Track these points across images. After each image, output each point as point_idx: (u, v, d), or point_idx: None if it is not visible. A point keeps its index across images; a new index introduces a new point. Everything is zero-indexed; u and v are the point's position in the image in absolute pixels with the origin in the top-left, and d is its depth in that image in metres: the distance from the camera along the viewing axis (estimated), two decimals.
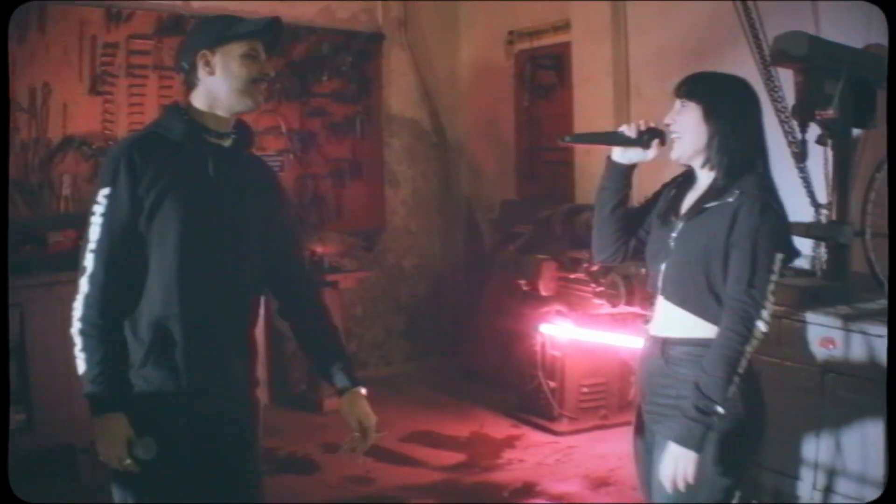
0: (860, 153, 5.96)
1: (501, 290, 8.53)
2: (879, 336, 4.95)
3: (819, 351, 5.22)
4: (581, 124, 8.46)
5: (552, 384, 7.79)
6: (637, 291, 6.84)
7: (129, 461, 3.38)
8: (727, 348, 3.39)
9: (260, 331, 7.44)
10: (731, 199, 3.48)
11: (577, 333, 7.48)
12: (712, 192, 3.56)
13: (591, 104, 8.41)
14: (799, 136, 5.72)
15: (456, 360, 9.75)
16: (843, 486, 5.20)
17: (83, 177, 7.72)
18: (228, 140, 3.62)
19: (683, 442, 3.40)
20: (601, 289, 7.08)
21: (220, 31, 3.56)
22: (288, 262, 3.90)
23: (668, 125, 3.64)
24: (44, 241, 6.96)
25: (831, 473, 5.25)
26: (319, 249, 8.45)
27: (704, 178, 3.64)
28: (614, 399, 7.83)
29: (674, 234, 3.61)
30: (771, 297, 3.42)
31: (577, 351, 7.63)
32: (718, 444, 3.50)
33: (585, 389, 7.78)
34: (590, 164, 8.34)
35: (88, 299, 3.43)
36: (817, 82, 5.44)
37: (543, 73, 9.25)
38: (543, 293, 7.71)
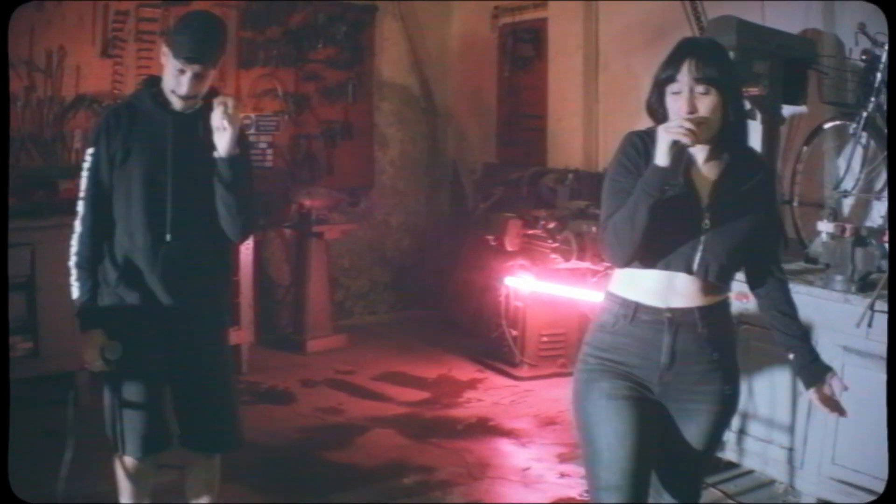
0: (795, 129, 6.30)
1: (476, 246, 8.85)
2: None
3: (735, 304, 5.54)
4: (554, 94, 8.87)
5: (514, 333, 8.14)
6: (588, 248, 7.19)
7: (99, 363, 4.17)
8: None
9: (247, 276, 7.87)
10: (761, 176, 3.51)
11: (538, 286, 7.82)
12: (742, 171, 3.47)
13: (563, 76, 8.74)
14: None
15: (435, 311, 10.11)
16: (755, 429, 5.57)
17: (95, 129, 8.00)
18: (191, 109, 4.22)
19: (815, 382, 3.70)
20: (556, 245, 7.43)
21: (171, 39, 4.18)
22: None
23: (692, 112, 3.28)
24: (55, 188, 7.32)
25: (744, 417, 5.61)
26: (307, 203, 8.76)
27: (706, 153, 3.46)
28: (573, 349, 7.93)
29: (706, 215, 3.41)
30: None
31: (539, 303, 7.97)
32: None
33: (545, 339, 8.13)
34: (561, 131, 8.74)
35: (80, 237, 4.24)
36: (747, 62, 5.74)
37: (522, 47, 9.55)
38: (508, 248, 8.05)
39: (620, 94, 8.24)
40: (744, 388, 5.45)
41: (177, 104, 4.20)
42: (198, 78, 4.12)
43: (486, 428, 6.97)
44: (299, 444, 6.61)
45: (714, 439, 3.68)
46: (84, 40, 8.06)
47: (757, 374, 5.52)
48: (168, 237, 4.18)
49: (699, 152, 3.45)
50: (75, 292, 4.23)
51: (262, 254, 9.26)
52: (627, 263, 3.49)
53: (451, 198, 10.57)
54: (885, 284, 4.74)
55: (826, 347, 5.03)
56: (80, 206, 4.24)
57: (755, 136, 6.26)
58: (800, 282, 5.27)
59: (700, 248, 3.41)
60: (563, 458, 6.32)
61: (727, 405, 3.64)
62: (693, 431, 3.59)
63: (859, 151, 5.83)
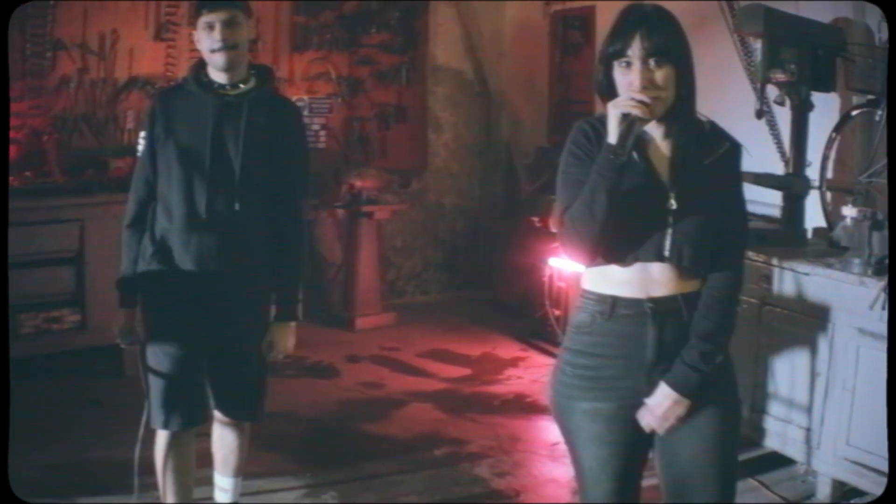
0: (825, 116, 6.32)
1: (524, 228, 8.92)
2: (805, 274, 5.39)
3: (758, 286, 5.61)
4: None
5: (557, 313, 8.20)
6: None
7: (119, 340, 4.44)
8: (736, 301, 3.27)
9: None
10: (725, 149, 3.20)
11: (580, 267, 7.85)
12: (702, 144, 3.19)
13: None
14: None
15: (486, 292, 10.20)
16: (775, 409, 5.62)
17: (146, 112, 8.21)
18: (236, 90, 4.30)
19: (684, 390, 3.13)
20: None
21: (195, 9, 4.32)
22: (279, 191, 4.42)
23: (646, 87, 3.02)
24: (105, 166, 7.54)
25: (765, 397, 5.67)
26: (358, 183, 8.88)
27: (663, 131, 3.19)
28: None
29: (671, 195, 3.13)
30: None
31: (580, 283, 7.99)
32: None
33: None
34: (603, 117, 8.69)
35: (129, 212, 4.39)
36: (775, 49, 5.78)
37: (572, 33, 9.57)
38: (553, 229, 8.09)
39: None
40: (764, 368, 5.57)
41: (221, 77, 4.27)
42: (228, 26, 4.16)
43: (522, 404, 7.07)
44: (337, 416, 6.75)
45: (726, 443, 3.26)
46: (137, 24, 8.24)
47: (777, 355, 5.57)
48: (204, 215, 4.22)
49: (655, 130, 3.16)
50: (122, 268, 4.40)
51: (315, 233, 9.36)
52: (591, 258, 3.18)
53: (505, 181, 10.57)
54: None
55: (842, 329, 5.12)
56: (133, 186, 4.40)
57: (783, 122, 6.35)
58: (820, 264, 5.33)
59: (669, 231, 3.10)
60: None
61: (719, 395, 3.23)
62: (697, 437, 3.20)
63: (884, 138, 5.84)
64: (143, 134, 4.40)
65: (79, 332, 7.09)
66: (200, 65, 4.35)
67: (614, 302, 3.16)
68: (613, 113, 2.98)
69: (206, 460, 4.80)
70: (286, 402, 6.63)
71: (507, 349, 8.46)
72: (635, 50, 3.03)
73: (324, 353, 8.13)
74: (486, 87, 10.52)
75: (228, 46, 4.19)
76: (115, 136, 8.13)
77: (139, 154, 4.43)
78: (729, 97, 6.55)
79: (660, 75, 3.03)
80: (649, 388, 3.15)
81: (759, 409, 5.67)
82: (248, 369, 4.49)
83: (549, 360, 7.97)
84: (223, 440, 4.68)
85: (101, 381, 7.05)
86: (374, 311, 9.14)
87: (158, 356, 4.31)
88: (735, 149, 3.26)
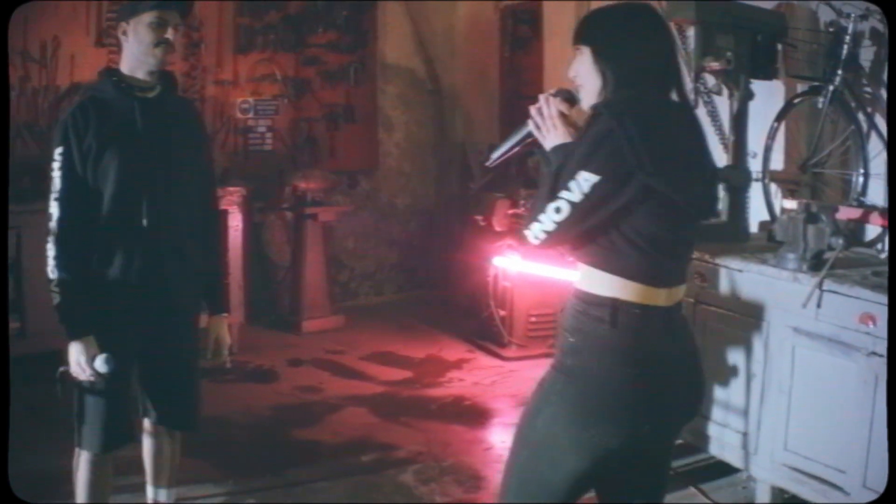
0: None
1: (472, 227, 8.58)
2: (739, 270, 4.99)
3: (692, 284, 5.22)
4: (549, 73, 8.57)
5: (503, 313, 7.86)
6: None
7: (90, 373, 3.92)
8: None
9: (236, 258, 7.67)
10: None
11: (525, 266, 7.53)
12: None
13: (558, 56, 8.42)
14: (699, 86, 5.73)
15: (440, 292, 9.82)
16: (715, 413, 5.21)
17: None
18: (153, 92, 4.08)
19: None
20: None
21: (134, 5, 3.99)
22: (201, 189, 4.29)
23: (572, 77, 3.09)
24: (44, 174, 7.18)
25: (706, 401, 5.24)
26: (302, 185, 8.51)
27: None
28: None
29: None
30: (555, 216, 2.81)
31: (527, 283, 7.68)
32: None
33: (534, 319, 7.83)
34: None
35: (59, 239, 3.93)
36: (709, 36, 5.40)
37: (521, 28, 9.28)
38: (497, 228, 7.80)
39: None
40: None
41: (156, 60, 4.01)
42: (173, 27, 3.99)
43: (459, 408, 6.71)
44: (270, 421, 6.45)
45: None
46: (78, 30, 7.99)
47: (713, 356, 5.14)
48: (144, 222, 3.99)
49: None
50: (56, 298, 3.95)
51: (263, 235, 9.08)
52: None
53: (461, 179, 10.21)
54: (833, 263, 4.43)
55: (777, 328, 4.76)
56: (55, 208, 3.95)
57: (722, 111, 5.98)
58: (753, 260, 4.94)
59: None
60: None
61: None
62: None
63: (828, 127, 5.49)
64: (58, 150, 3.95)
65: (18, 339, 6.81)
66: (111, 71, 4.12)
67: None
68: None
69: (131, 468, 4.63)
70: (221, 407, 6.36)
71: (454, 351, 8.09)
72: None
73: (266, 358, 7.79)
74: (438, 85, 10.17)
75: (170, 45, 4.00)
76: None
77: (57, 173, 3.95)
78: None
79: (578, 62, 3.06)
80: None
81: (701, 415, 5.24)
82: (187, 377, 4.31)
83: (494, 362, 7.76)
84: (158, 451, 4.45)
85: (39, 387, 6.61)
86: (322, 314, 8.75)
87: (103, 380, 4.00)
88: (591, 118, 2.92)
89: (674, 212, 2.87)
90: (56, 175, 3.96)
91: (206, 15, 8.51)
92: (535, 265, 7.43)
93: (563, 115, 3.03)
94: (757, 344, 4.89)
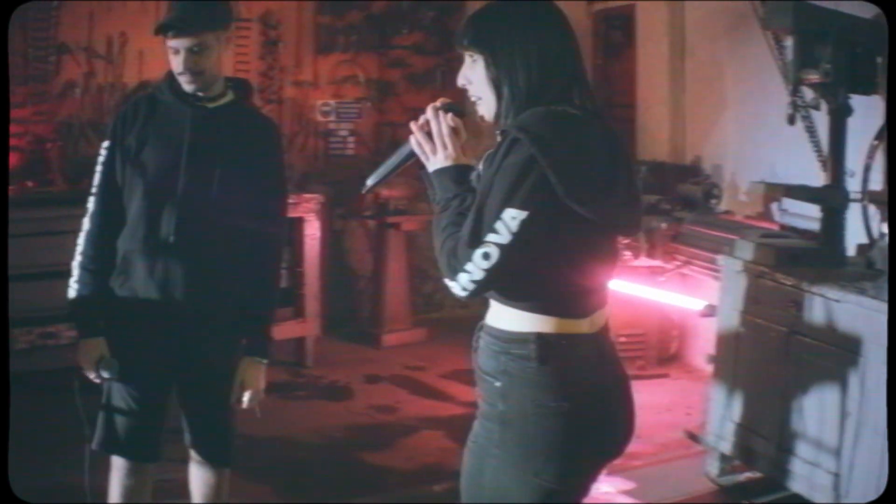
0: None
1: None
2: (836, 300, 4.73)
3: (786, 312, 5.00)
4: (642, 83, 8.38)
5: None
6: (658, 245, 6.70)
7: (94, 374, 3.93)
8: None
9: (312, 267, 7.57)
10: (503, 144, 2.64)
11: (614, 285, 7.32)
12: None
13: (650, 64, 8.26)
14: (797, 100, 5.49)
15: None
16: (802, 449, 4.97)
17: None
18: (216, 101, 3.93)
19: None
20: (627, 241, 6.97)
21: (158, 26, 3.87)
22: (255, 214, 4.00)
23: (463, 87, 2.86)
24: None
25: (792, 435, 5.03)
26: (385, 192, 8.38)
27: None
28: (653, 351, 7.70)
29: None
30: (483, 262, 2.55)
31: (616, 302, 7.43)
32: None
33: (623, 339, 7.57)
34: (649, 121, 8.30)
35: (88, 236, 3.95)
36: (808, 47, 5.17)
37: (614, 33, 9.03)
38: None
39: (706, 82, 7.74)
40: (791, 403, 4.96)
41: (187, 85, 3.86)
42: (195, 53, 3.79)
43: None
44: (339, 443, 6.33)
45: None
46: (147, 26, 7.69)
47: (805, 390, 4.93)
48: (171, 238, 3.83)
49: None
50: (72, 293, 3.96)
51: (343, 243, 9.01)
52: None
53: None
54: None
55: (874, 364, 4.51)
56: (91, 203, 3.96)
57: (821, 127, 5.74)
58: (852, 290, 4.69)
59: None
60: (611, 470, 5.74)
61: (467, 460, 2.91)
62: None
63: None
64: (106, 144, 3.95)
65: (75, 348, 6.66)
66: (171, 75, 3.95)
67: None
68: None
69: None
70: (289, 426, 6.31)
71: None
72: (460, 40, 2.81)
73: (342, 373, 7.68)
74: None
75: (194, 73, 3.83)
76: None
77: (99, 168, 3.95)
78: (770, 101, 6.21)
79: (472, 70, 2.81)
80: None
81: (785, 449, 5.04)
82: (216, 408, 4.10)
83: None
84: (199, 479, 4.24)
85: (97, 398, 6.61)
86: (403, 327, 8.64)
87: (122, 392, 3.95)
88: (502, 141, 2.62)
89: (595, 235, 2.69)
90: (97, 170, 3.96)
91: (283, 13, 8.49)
92: (625, 284, 7.23)
93: (453, 133, 2.81)
94: (853, 380, 4.63)
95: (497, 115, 2.76)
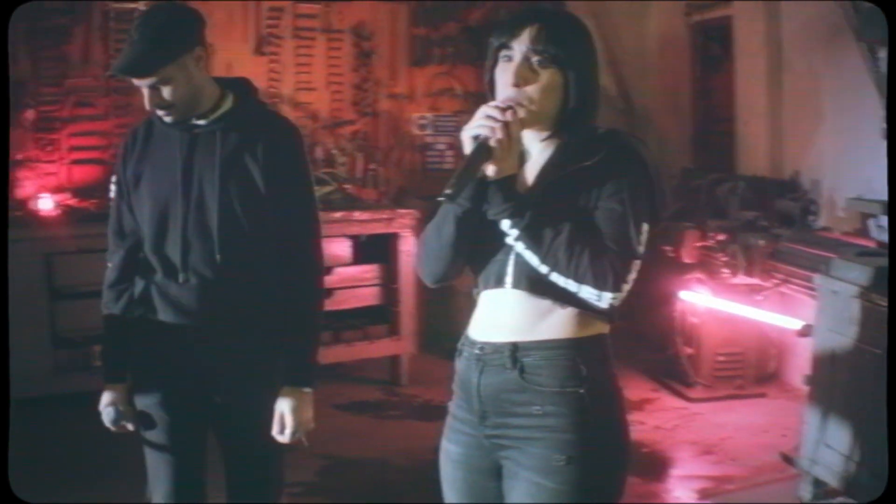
0: None
1: (659, 258, 8.34)
2: None
3: (882, 334, 4.90)
4: (740, 96, 8.30)
5: (689, 351, 7.62)
6: (756, 263, 6.64)
7: (111, 422, 3.72)
8: None
9: (408, 285, 7.56)
10: (603, 155, 2.74)
11: (713, 302, 7.27)
12: (577, 156, 2.76)
13: (748, 76, 8.17)
14: None
15: (632, 323, 9.53)
16: None
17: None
18: (207, 117, 3.60)
19: None
20: (725, 258, 6.91)
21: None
22: (276, 232, 3.68)
23: (517, 85, 2.73)
24: None
25: (888, 463, 4.91)
26: None
27: (540, 146, 2.85)
28: (751, 370, 7.60)
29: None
30: (633, 273, 2.73)
31: (715, 319, 7.42)
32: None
33: (721, 358, 7.55)
34: (747, 135, 8.22)
35: (108, 274, 3.75)
36: None
37: (712, 46, 9.00)
38: (685, 260, 7.55)
39: (803, 95, 7.63)
40: (889, 430, 4.83)
41: (166, 118, 3.55)
42: (156, 89, 3.46)
43: (636, 455, 6.30)
44: (431, 467, 6.01)
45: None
46: (235, 37, 8.01)
47: None
48: (181, 277, 3.59)
49: (534, 143, 2.84)
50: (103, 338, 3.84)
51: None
52: (438, 281, 2.96)
53: None
54: None
55: None
56: (110, 242, 3.77)
57: None
58: None
59: (513, 254, 2.77)
60: (703, 494, 5.82)
61: (558, 483, 2.77)
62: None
63: None
64: (113, 179, 3.77)
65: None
66: None
67: (464, 340, 3.02)
68: (465, 137, 2.73)
69: None
70: (380, 447, 6.34)
71: (638, 389, 7.83)
72: (520, 43, 2.73)
73: (437, 392, 7.44)
74: (629, 104, 9.89)
75: (164, 108, 3.51)
76: None
77: (112, 204, 3.77)
78: (866, 115, 6.13)
79: (540, 78, 2.72)
80: (488, 443, 2.91)
81: (880, 476, 4.87)
82: (249, 447, 3.76)
83: (678, 403, 7.52)
84: None
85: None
86: None
87: (153, 437, 3.76)
88: (616, 155, 2.77)
89: None
90: (112, 206, 3.78)
91: (377, 24, 8.53)
92: (725, 302, 7.17)
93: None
94: None
95: (554, 124, 2.80)
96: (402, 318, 7.78)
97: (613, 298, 2.68)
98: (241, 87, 3.78)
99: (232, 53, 7.91)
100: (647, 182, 2.79)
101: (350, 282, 7.71)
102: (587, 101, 2.80)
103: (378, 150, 8.82)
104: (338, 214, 7.61)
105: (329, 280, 7.49)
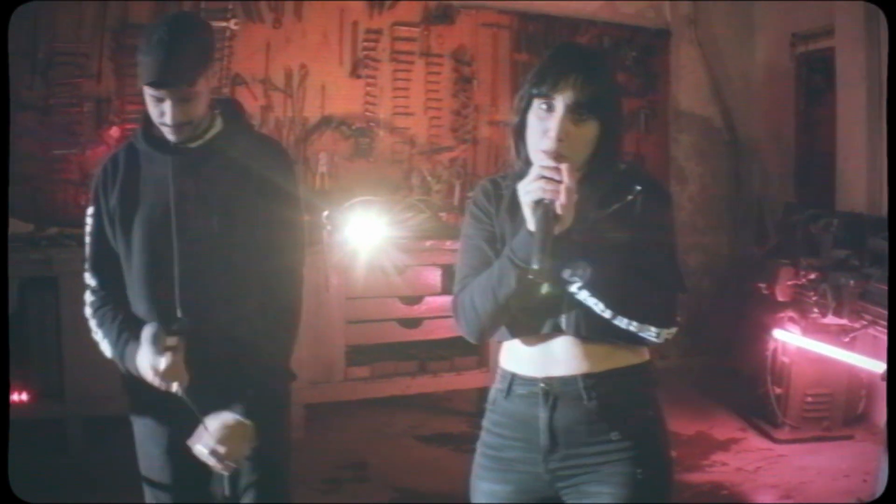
0: None
1: (753, 294, 8.25)
2: None
3: None
4: (842, 130, 8.16)
5: (778, 390, 7.51)
6: (846, 304, 6.53)
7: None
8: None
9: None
10: (630, 198, 2.85)
11: (803, 342, 7.17)
12: (606, 197, 2.86)
13: (849, 110, 8.02)
14: None
15: (724, 360, 9.44)
16: None
17: (342, 155, 8.08)
18: (199, 139, 3.50)
19: None
20: (815, 297, 6.82)
21: (137, 56, 3.37)
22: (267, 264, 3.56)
23: (561, 139, 2.79)
24: None
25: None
26: None
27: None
28: (839, 411, 7.48)
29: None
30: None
31: (806, 359, 7.30)
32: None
33: (810, 399, 7.42)
34: (848, 170, 8.05)
35: (94, 314, 3.56)
36: None
37: (815, 77, 8.89)
38: (779, 298, 7.45)
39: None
40: None
41: (171, 136, 3.42)
42: (182, 103, 3.31)
43: (715, 497, 6.40)
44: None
45: None
46: (330, 59, 8.05)
47: None
48: (179, 313, 3.42)
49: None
50: (122, 369, 3.55)
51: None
52: (486, 339, 3.07)
53: (757, 240, 9.81)
54: None
55: None
56: (89, 278, 3.59)
57: None
58: None
59: (566, 297, 2.82)
60: None
61: (640, 492, 2.92)
62: None
63: None
64: (90, 211, 3.55)
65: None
66: (146, 116, 3.49)
67: (512, 379, 3.01)
68: (525, 201, 2.72)
69: None
70: (456, 479, 6.04)
71: (725, 428, 7.77)
72: (562, 96, 2.78)
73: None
74: (734, 136, 9.82)
75: (182, 125, 3.39)
76: (307, 179, 7.88)
77: (87, 239, 3.57)
78: None
79: (582, 131, 2.80)
80: (549, 477, 2.97)
81: None
82: (260, 483, 3.63)
83: (764, 444, 7.41)
84: None
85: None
86: None
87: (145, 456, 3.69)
88: (649, 192, 2.91)
89: None
90: (88, 241, 3.58)
91: (477, 49, 8.53)
92: (814, 342, 7.06)
93: None
94: None
95: (583, 165, 2.86)
96: (490, 350, 7.75)
97: (669, 333, 2.85)
98: (228, 108, 3.67)
99: (327, 76, 8.01)
100: (670, 220, 3.02)
101: (439, 312, 7.66)
102: (619, 142, 2.95)
103: (476, 179, 8.80)
104: (428, 243, 7.70)
105: (418, 309, 7.62)
